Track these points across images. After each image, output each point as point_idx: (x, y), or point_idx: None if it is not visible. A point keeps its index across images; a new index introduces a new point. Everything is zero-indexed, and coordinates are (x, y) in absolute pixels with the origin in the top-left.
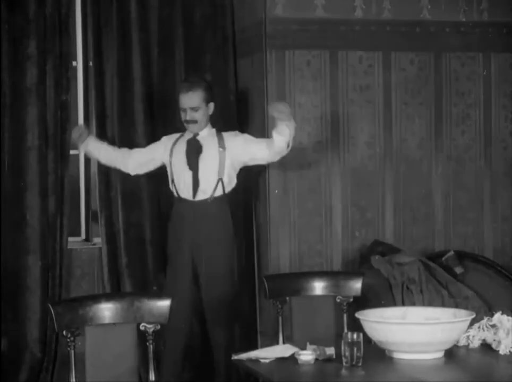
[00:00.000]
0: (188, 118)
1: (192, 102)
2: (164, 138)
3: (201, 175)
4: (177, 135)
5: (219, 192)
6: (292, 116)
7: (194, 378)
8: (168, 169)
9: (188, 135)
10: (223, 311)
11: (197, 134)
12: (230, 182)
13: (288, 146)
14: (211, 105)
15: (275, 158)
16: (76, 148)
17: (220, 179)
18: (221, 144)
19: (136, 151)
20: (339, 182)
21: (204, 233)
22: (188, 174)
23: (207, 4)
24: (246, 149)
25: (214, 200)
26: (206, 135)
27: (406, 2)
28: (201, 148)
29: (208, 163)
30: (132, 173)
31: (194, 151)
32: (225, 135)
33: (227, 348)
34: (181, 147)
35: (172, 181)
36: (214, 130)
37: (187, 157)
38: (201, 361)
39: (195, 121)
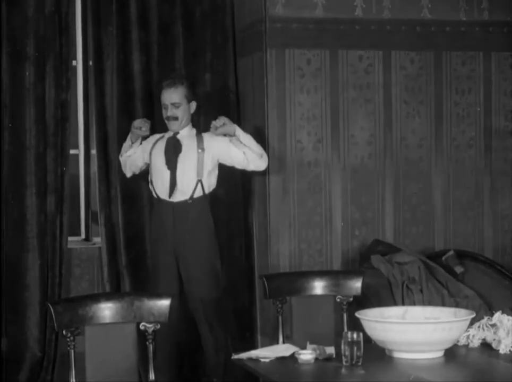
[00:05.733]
0: (169, 114)
1: (173, 97)
2: (144, 142)
3: (179, 175)
4: (158, 136)
5: (198, 194)
6: (235, 126)
7: (188, 376)
8: (149, 170)
9: (168, 134)
10: (209, 311)
11: (177, 133)
12: (210, 183)
13: (261, 156)
14: (193, 104)
15: (257, 168)
16: (75, 147)
17: (199, 181)
18: (200, 145)
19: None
20: (338, 181)
21: (184, 235)
22: (166, 173)
23: (207, 3)
24: (226, 151)
25: (193, 202)
26: (187, 135)
27: (406, 2)
28: (180, 147)
29: (186, 163)
30: (128, 174)
31: (173, 150)
32: (205, 135)
33: (218, 347)
34: (161, 147)
35: (151, 181)
36: (194, 130)
37: (165, 156)
38: (196, 360)
39: (176, 118)
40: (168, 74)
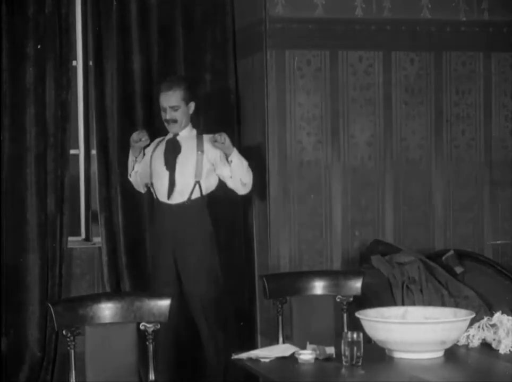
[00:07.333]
0: (168, 117)
1: (171, 101)
2: (146, 150)
3: (178, 176)
4: (158, 139)
5: (196, 195)
6: (234, 149)
7: (188, 376)
8: (149, 172)
9: (168, 136)
10: (208, 311)
11: (177, 134)
12: (209, 185)
13: (244, 185)
14: (192, 104)
15: (236, 190)
16: (75, 148)
17: (197, 182)
18: (200, 147)
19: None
20: (339, 181)
21: (183, 236)
22: (166, 174)
23: (207, 4)
24: (219, 160)
25: (191, 203)
26: (186, 136)
27: (406, 2)
28: (180, 148)
29: (185, 164)
30: (142, 190)
31: (172, 151)
32: (206, 137)
33: (219, 348)
34: (161, 149)
35: (151, 184)
36: (195, 131)
37: (165, 157)
38: (195, 359)
39: (175, 121)
40: (168, 74)
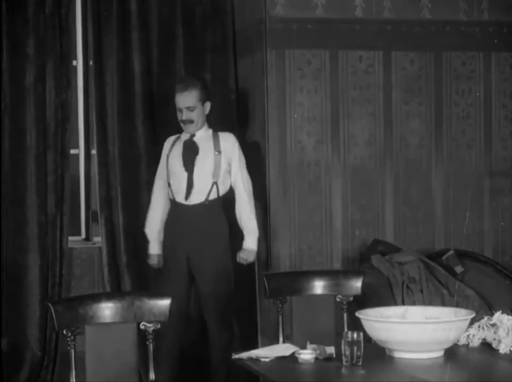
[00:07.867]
0: (184, 117)
1: (188, 101)
2: (165, 146)
3: (196, 177)
4: (173, 138)
5: (213, 196)
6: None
7: (192, 376)
8: (166, 172)
9: (184, 136)
10: (221, 313)
11: (193, 135)
12: (225, 186)
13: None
14: (207, 104)
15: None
16: (75, 147)
17: (215, 183)
18: (217, 147)
19: (160, 179)
20: (339, 181)
21: (199, 237)
22: (184, 175)
23: (207, 3)
24: (234, 167)
25: (209, 204)
26: (203, 136)
27: (406, 2)
28: (197, 149)
29: (203, 165)
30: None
31: (190, 152)
32: (221, 136)
33: (225, 348)
34: (178, 149)
35: (169, 184)
36: (210, 131)
37: (183, 159)
38: (199, 360)
39: (191, 121)
40: (168, 74)
